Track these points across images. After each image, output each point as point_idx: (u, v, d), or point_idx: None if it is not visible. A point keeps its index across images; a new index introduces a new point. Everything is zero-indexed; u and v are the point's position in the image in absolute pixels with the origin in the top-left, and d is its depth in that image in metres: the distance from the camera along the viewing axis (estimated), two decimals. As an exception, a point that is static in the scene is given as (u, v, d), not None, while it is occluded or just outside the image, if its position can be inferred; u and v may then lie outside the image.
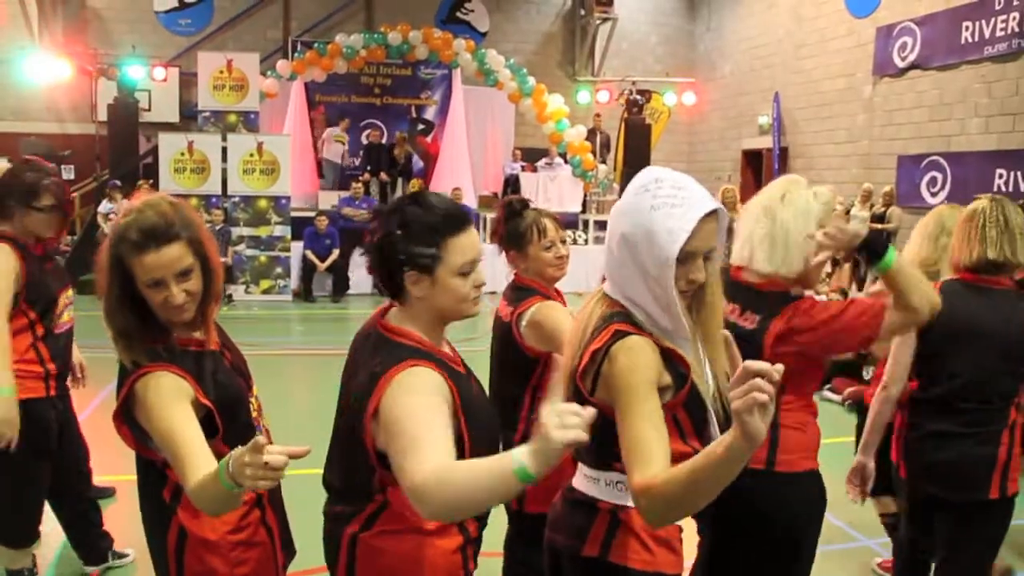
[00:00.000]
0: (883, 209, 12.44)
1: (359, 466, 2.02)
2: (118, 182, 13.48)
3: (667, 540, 2.08)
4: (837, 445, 6.62)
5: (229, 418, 2.24)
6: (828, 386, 8.00)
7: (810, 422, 2.74)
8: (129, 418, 2.14)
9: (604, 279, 2.08)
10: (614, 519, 2.05)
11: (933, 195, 12.45)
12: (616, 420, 1.90)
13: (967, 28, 11.95)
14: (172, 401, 2.07)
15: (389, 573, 2.05)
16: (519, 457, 1.60)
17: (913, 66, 13.02)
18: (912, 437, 3.11)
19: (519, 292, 3.07)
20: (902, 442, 3.15)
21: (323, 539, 2.18)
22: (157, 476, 2.24)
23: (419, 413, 1.87)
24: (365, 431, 1.95)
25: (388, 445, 1.88)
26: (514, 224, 3.10)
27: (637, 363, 1.92)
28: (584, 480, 2.11)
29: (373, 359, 2.01)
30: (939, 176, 12.36)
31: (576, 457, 2.11)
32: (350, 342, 2.24)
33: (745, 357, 2.12)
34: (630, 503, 1.97)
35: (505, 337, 2.96)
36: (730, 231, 2.31)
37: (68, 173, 16.75)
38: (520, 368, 2.97)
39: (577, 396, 2.00)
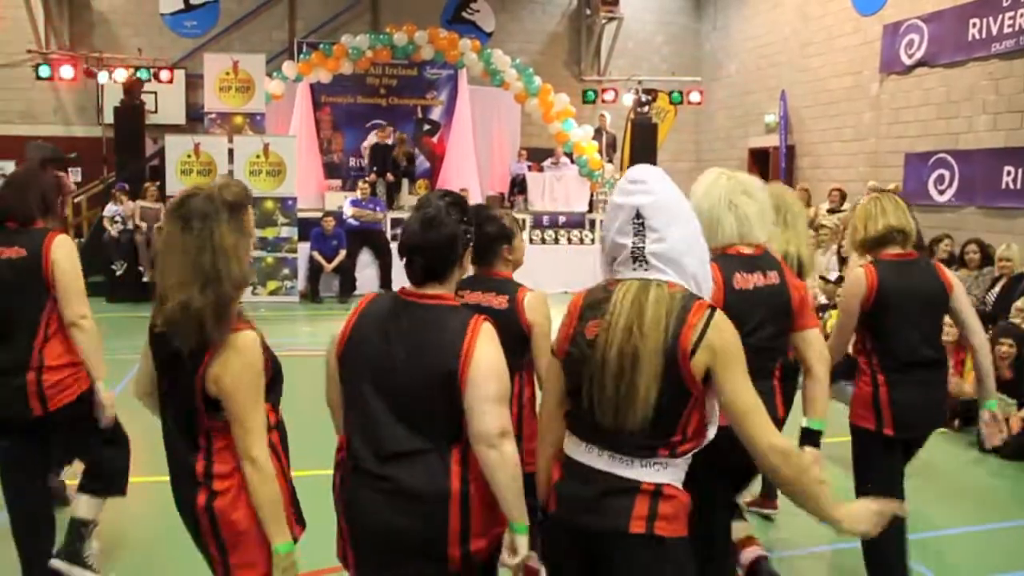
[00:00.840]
0: (890, 207, 12.40)
1: (446, 416, 2.38)
2: (125, 184, 13.51)
3: (689, 506, 2.31)
4: (845, 443, 6.61)
5: (276, 388, 2.65)
6: (834, 384, 7.97)
7: None
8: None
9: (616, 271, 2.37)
10: (655, 497, 2.23)
11: (940, 192, 12.39)
12: (719, 383, 2.20)
13: (974, 25, 11.88)
14: (261, 370, 2.52)
15: (489, 502, 2.41)
16: None
17: (920, 64, 12.96)
18: (900, 395, 3.69)
19: (504, 283, 3.40)
20: (886, 403, 3.72)
21: (397, 506, 2.37)
22: (193, 446, 2.55)
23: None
24: (461, 377, 2.34)
25: (487, 386, 2.36)
26: (499, 224, 3.42)
27: (736, 334, 2.26)
28: (613, 462, 2.25)
29: (438, 315, 2.44)
30: (946, 174, 12.30)
31: (601, 443, 2.27)
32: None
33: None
34: (668, 479, 2.25)
35: (506, 322, 3.05)
36: None
37: (75, 175, 16.77)
38: (516, 351, 3.08)
39: (670, 371, 2.18)
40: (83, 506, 3.94)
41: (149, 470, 5.49)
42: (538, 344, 3.26)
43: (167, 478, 2.69)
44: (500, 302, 3.30)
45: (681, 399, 2.20)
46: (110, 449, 3.98)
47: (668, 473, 2.25)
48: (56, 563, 3.77)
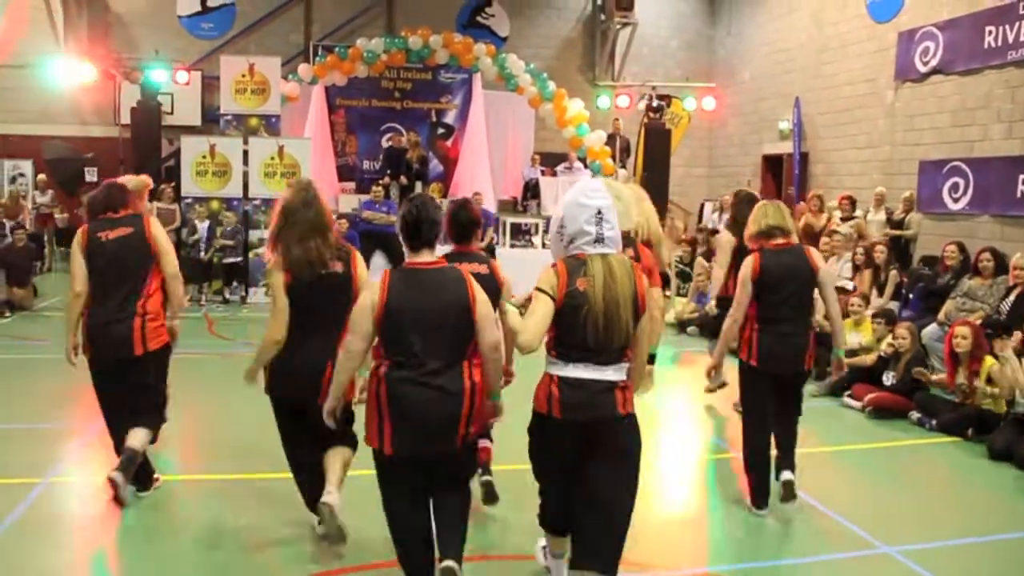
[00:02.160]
0: (903, 215, 12.37)
1: (462, 339, 3.70)
2: (141, 185, 13.56)
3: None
4: (858, 451, 6.62)
5: None
6: (847, 392, 7.96)
7: None
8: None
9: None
10: (623, 389, 3.52)
11: (955, 201, 12.34)
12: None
13: (990, 33, 11.84)
14: None
15: (488, 374, 3.79)
16: None
17: (935, 71, 12.92)
18: (765, 340, 5.16)
19: (479, 256, 4.78)
20: (755, 344, 5.20)
21: (434, 405, 3.60)
22: (340, 325, 4.16)
23: None
24: (472, 308, 3.68)
25: (488, 312, 3.77)
26: (476, 214, 4.81)
27: None
28: (596, 371, 3.46)
29: (443, 276, 3.74)
30: (961, 182, 12.26)
31: (587, 360, 3.46)
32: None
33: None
34: (624, 376, 3.54)
35: (487, 282, 4.30)
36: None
37: (91, 175, 16.93)
38: (493, 301, 4.20)
39: (635, 306, 3.48)
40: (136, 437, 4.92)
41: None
42: (507, 291, 4.68)
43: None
44: (482, 269, 4.58)
45: (637, 322, 3.52)
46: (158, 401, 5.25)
47: (623, 372, 3.53)
48: (114, 474, 4.77)
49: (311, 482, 4.49)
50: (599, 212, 3.48)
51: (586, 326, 3.39)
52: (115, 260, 4.87)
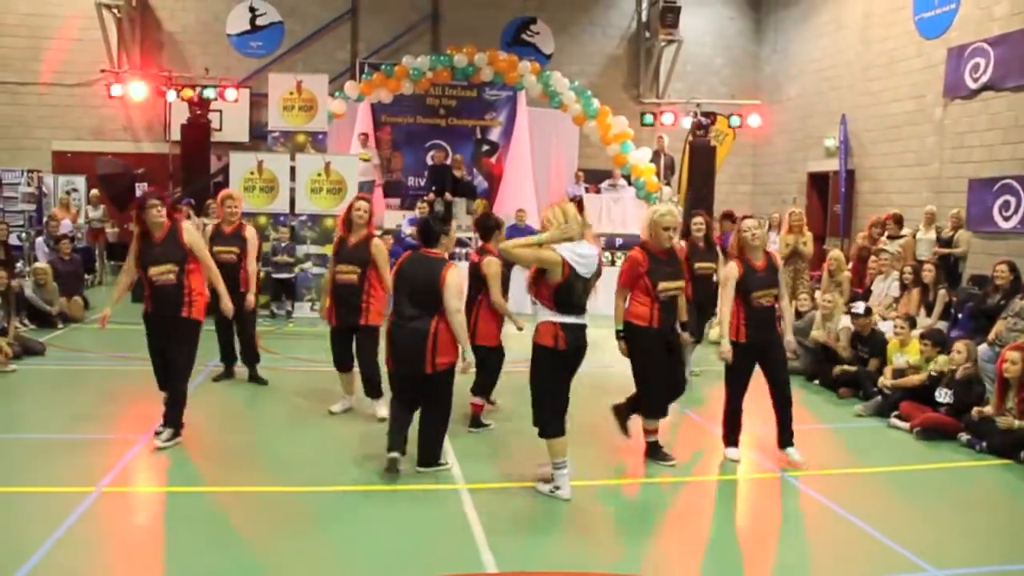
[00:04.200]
0: (951, 233, 12.20)
1: (432, 300, 5.68)
2: (192, 200, 13.81)
3: None
4: (907, 473, 6.52)
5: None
6: (895, 412, 7.85)
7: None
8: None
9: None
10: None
11: (1006, 219, 12.16)
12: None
13: (1044, 48, 11.70)
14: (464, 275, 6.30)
15: (450, 340, 5.75)
16: None
17: (986, 87, 12.77)
18: (749, 320, 6.49)
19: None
20: (743, 325, 6.49)
21: (409, 338, 5.69)
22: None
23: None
24: (442, 287, 5.65)
25: (452, 288, 5.71)
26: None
27: None
28: (580, 319, 5.51)
29: (432, 261, 5.81)
30: (1012, 200, 12.07)
31: (578, 313, 5.48)
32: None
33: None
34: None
35: (476, 271, 6.97)
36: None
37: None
38: (479, 285, 6.96)
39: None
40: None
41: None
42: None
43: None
44: (475, 259, 6.97)
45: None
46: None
47: (586, 319, 5.59)
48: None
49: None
50: (587, 225, 5.51)
51: (581, 290, 5.43)
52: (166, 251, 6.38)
